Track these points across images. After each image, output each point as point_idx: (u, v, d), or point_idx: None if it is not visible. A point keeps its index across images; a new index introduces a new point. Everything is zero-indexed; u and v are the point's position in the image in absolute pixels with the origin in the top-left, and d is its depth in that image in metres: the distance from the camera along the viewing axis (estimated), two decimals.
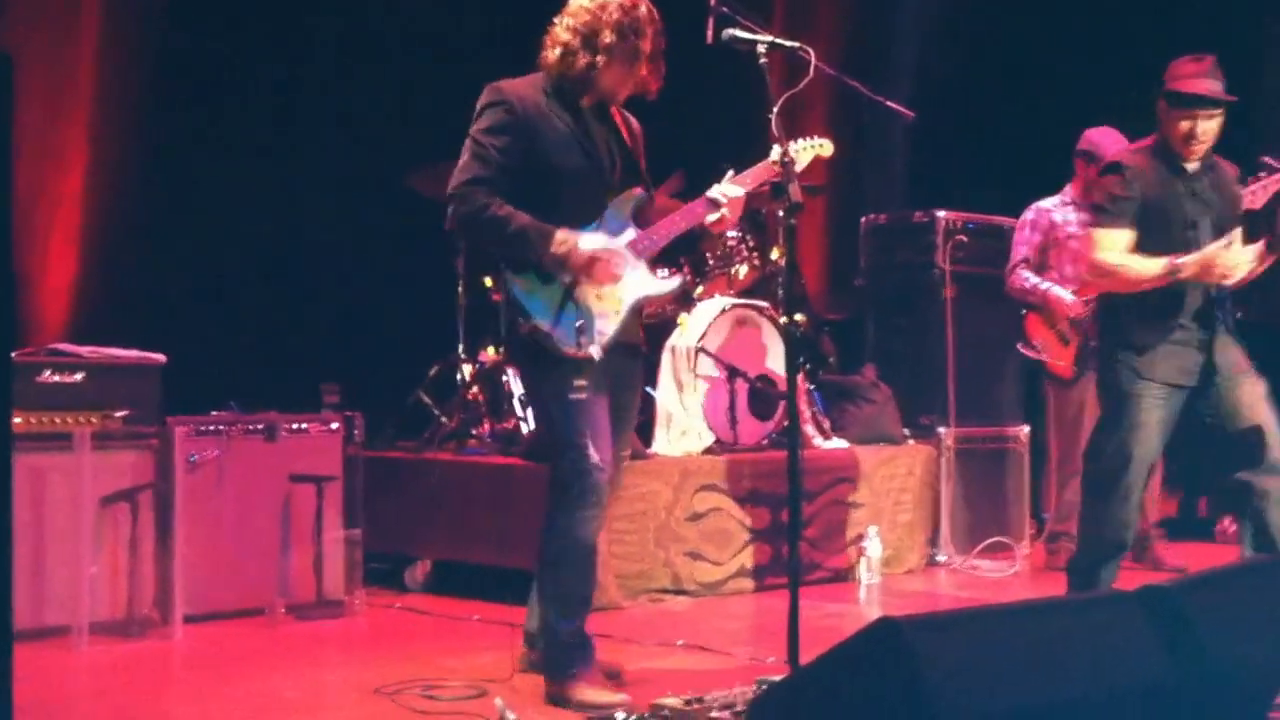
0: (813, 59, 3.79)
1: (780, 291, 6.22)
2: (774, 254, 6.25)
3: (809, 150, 4.11)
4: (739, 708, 3.47)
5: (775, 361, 6.08)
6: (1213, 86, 4.62)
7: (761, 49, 3.77)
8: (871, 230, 7.14)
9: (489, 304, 6.29)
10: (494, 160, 3.82)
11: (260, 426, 5.29)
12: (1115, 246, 4.61)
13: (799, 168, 3.96)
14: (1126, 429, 4.60)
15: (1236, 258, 4.57)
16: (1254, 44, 8.61)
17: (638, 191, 3.99)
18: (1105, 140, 6.03)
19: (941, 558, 6.50)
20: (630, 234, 3.94)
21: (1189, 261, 4.53)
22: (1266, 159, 5.10)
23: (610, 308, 3.88)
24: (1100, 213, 4.68)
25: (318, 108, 7.02)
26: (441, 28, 7.37)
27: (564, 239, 3.79)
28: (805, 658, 3.15)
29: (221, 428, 5.20)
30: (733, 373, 5.89)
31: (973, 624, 3.04)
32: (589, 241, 3.84)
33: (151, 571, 4.99)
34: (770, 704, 3.08)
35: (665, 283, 4.16)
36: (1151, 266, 4.57)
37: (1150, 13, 8.98)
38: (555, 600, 3.93)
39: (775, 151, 3.85)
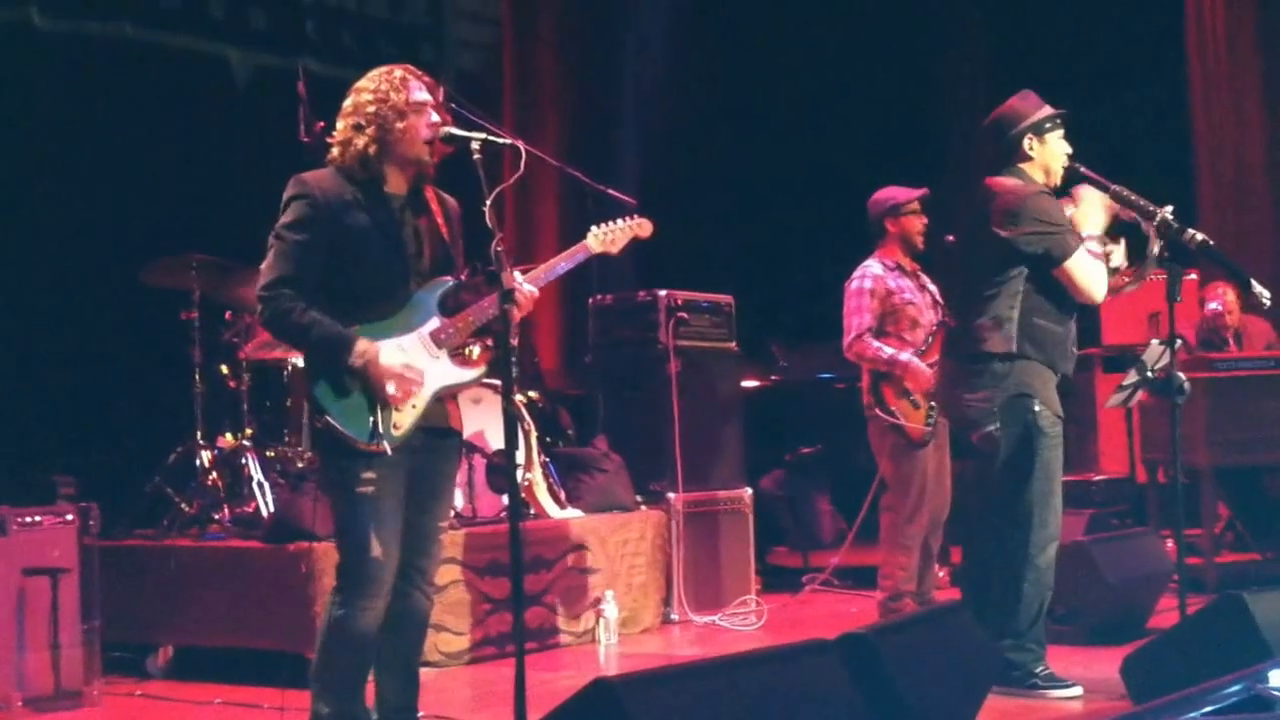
0: (524, 153, 3.91)
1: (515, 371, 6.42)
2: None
3: (625, 231, 4.17)
4: None
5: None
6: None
7: (475, 145, 3.85)
8: (598, 310, 7.37)
9: (226, 390, 6.36)
10: (297, 256, 3.82)
11: None
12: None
13: (617, 250, 4.14)
14: (1050, 476, 4.71)
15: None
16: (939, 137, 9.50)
17: (445, 280, 3.99)
18: (890, 190, 6.17)
19: (675, 616, 6.83)
20: (434, 323, 3.94)
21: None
22: (951, 238, 5.64)
23: (407, 402, 3.87)
24: (1055, 231, 4.75)
25: (50, 197, 6.96)
26: (179, 121, 7.41)
27: (363, 350, 3.79)
28: None
29: None
30: (469, 449, 6.11)
31: (683, 680, 3.31)
32: (390, 355, 3.83)
33: None
34: None
35: (466, 373, 4.02)
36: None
37: (844, 114, 9.80)
38: (321, 683, 3.91)
39: (592, 236, 4.08)
